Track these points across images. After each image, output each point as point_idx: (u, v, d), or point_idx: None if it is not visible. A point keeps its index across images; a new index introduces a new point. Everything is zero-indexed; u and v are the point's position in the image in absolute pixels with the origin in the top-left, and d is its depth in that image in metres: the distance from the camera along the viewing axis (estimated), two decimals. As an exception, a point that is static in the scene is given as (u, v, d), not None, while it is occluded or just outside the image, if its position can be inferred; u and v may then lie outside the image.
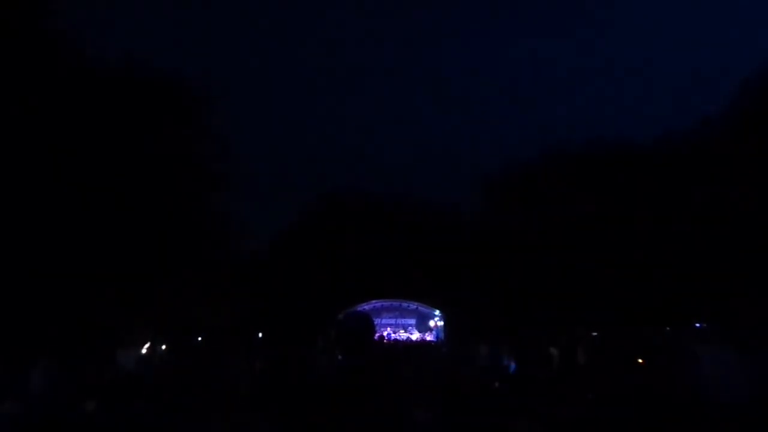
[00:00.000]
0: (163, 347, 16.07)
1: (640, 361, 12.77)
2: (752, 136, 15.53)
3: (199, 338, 20.60)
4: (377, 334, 27.99)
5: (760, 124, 15.52)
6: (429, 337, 30.63)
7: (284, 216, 33.02)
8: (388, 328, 30.96)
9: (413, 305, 32.21)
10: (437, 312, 30.97)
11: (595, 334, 18.72)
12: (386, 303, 31.65)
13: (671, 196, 17.77)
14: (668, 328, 17.56)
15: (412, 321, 32.72)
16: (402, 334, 31.11)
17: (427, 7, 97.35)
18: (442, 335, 29.43)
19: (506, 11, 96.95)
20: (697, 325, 17.25)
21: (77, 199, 12.47)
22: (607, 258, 18.96)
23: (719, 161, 16.38)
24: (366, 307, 28.77)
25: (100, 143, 13.18)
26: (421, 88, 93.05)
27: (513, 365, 12.02)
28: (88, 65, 13.67)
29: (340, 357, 2.88)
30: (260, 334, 22.67)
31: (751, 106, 16.31)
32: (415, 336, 31.06)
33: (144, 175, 14.37)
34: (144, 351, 14.68)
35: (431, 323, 31.73)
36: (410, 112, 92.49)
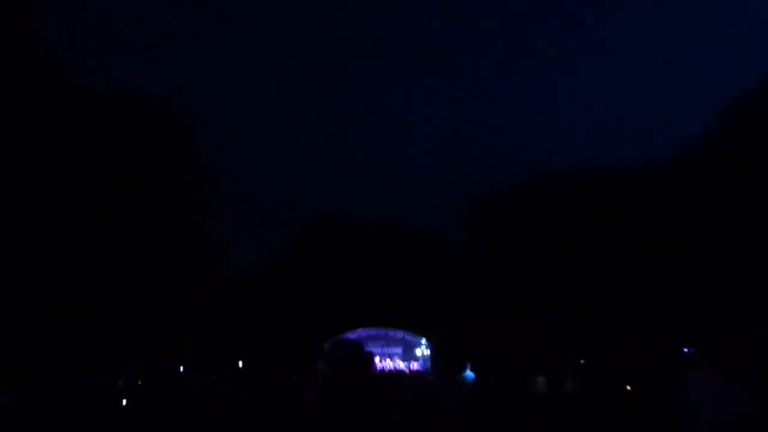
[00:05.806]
0: (141, 376, 15.64)
1: (628, 388, 12.70)
2: (734, 162, 15.79)
3: (181, 367, 20.10)
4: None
5: (741, 150, 15.80)
6: (415, 366, 30.22)
7: (269, 243, 32.79)
8: (376, 357, 30.46)
9: (399, 333, 31.76)
10: (423, 341, 30.60)
11: (583, 361, 18.62)
12: (372, 331, 31.14)
13: (657, 221, 17.90)
14: (656, 355, 17.49)
15: (398, 350, 32.25)
16: (387, 363, 30.66)
17: (423, 35, 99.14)
18: (428, 364, 29.06)
19: (499, 40, 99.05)
20: (686, 350, 17.22)
21: (60, 223, 12.28)
22: (594, 284, 18.97)
23: (703, 187, 16.58)
24: (351, 335, 28.35)
25: (84, 169, 13.07)
26: (410, 114, 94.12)
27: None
28: (77, 92, 13.64)
29: (329, 387, 2.76)
30: (242, 363, 22.25)
31: (732, 132, 16.62)
32: (402, 364, 30.64)
33: (128, 201, 14.24)
34: (120, 379, 14.28)
35: (417, 352, 31.34)
36: (397, 139, 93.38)
